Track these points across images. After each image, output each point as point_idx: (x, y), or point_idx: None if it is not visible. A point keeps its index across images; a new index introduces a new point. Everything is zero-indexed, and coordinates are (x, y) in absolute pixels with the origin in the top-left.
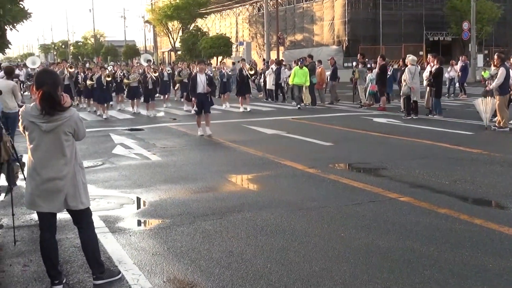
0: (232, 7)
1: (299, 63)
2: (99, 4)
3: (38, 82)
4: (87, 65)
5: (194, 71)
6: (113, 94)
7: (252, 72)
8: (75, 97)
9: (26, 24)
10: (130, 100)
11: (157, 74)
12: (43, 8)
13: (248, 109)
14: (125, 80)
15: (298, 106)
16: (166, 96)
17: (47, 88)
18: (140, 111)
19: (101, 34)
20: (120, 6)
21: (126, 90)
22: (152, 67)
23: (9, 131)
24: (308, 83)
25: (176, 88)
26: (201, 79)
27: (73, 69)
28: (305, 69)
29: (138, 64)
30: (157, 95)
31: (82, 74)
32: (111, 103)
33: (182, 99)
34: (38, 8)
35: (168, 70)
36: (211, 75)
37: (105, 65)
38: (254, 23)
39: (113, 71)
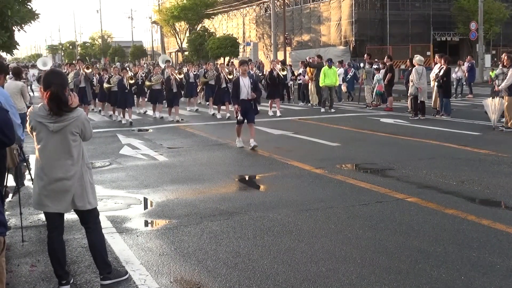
0: (239, 8)
1: (326, 64)
2: (107, 5)
3: (45, 83)
4: (97, 65)
5: (221, 72)
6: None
7: (285, 73)
8: (91, 101)
9: (34, 25)
10: (152, 104)
11: (181, 76)
12: (51, 9)
13: (278, 114)
14: (147, 82)
15: (325, 108)
16: (192, 99)
17: (54, 89)
18: (162, 115)
19: (109, 34)
20: (127, 7)
21: (148, 92)
22: (174, 67)
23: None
24: (337, 83)
25: (198, 90)
26: (245, 83)
27: (90, 70)
28: (334, 68)
29: (156, 65)
30: (182, 98)
31: (97, 75)
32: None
33: (208, 103)
34: (46, 9)
35: (194, 71)
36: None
37: (126, 66)
38: (261, 24)
39: (134, 72)
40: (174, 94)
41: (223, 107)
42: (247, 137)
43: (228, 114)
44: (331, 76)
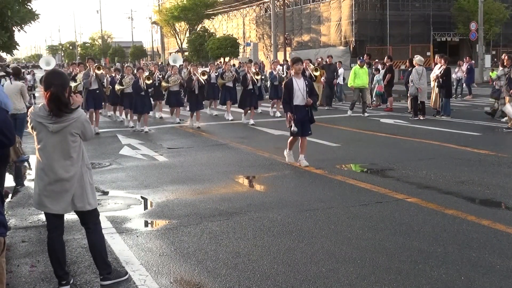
0: (239, 8)
1: (358, 62)
2: (107, 5)
3: (46, 84)
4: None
5: (248, 72)
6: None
7: (318, 74)
8: (104, 104)
9: (34, 25)
10: (170, 108)
11: (205, 77)
12: (51, 10)
13: None
14: (164, 83)
15: (352, 111)
16: (214, 101)
17: (54, 90)
18: (179, 120)
19: (109, 35)
20: (127, 7)
21: (165, 95)
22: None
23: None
24: (366, 84)
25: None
26: (299, 86)
27: (101, 71)
28: (366, 68)
29: (173, 66)
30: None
31: (107, 76)
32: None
33: (224, 106)
34: (46, 10)
35: (215, 72)
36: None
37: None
38: (261, 24)
39: (151, 72)
40: (197, 96)
41: (233, 109)
42: (247, 137)
43: (252, 121)
44: (363, 77)
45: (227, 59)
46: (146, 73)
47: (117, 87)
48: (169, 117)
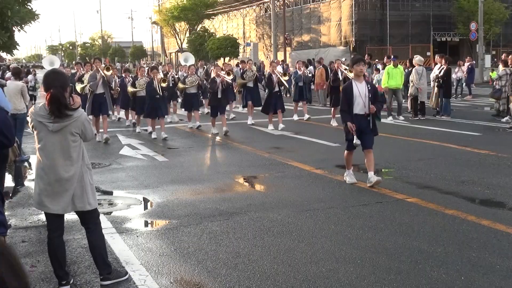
0: (239, 8)
1: (392, 62)
2: (107, 5)
3: (46, 84)
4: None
5: (274, 72)
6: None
7: (352, 74)
8: (111, 108)
9: (34, 25)
10: (187, 112)
11: (231, 76)
12: (51, 9)
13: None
14: (180, 85)
15: (392, 115)
16: (232, 103)
17: (55, 92)
18: (200, 124)
19: (109, 35)
20: (127, 7)
21: (182, 98)
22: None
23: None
24: (401, 86)
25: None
26: (359, 91)
27: (110, 72)
28: (401, 68)
29: (190, 66)
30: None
31: (116, 77)
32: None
33: (245, 109)
34: (46, 9)
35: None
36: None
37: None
38: (261, 24)
39: (165, 72)
40: (220, 101)
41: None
42: (247, 137)
43: (282, 125)
44: (397, 77)
45: (227, 59)
46: (161, 75)
47: (130, 89)
48: (182, 120)
